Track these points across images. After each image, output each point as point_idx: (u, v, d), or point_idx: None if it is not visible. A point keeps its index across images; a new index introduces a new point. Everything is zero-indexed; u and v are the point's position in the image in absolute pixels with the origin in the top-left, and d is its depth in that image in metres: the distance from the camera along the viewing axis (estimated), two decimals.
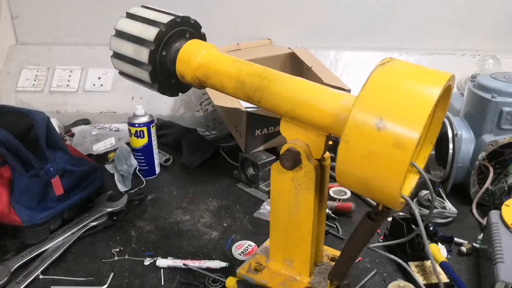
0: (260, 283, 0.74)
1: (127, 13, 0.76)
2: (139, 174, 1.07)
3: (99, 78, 1.44)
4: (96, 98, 1.42)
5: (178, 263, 0.79)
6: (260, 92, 0.65)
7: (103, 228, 0.90)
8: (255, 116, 1.01)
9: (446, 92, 0.54)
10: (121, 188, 1.04)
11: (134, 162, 1.06)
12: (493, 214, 0.80)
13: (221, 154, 1.22)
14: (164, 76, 0.75)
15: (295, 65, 1.26)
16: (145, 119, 1.06)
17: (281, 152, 0.65)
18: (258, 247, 0.84)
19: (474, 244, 0.85)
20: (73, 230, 0.86)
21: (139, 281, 0.76)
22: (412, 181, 0.61)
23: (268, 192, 1.03)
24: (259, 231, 0.90)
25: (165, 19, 0.72)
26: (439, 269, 0.77)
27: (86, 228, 0.88)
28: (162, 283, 0.76)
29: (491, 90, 0.93)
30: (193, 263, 0.79)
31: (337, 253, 0.81)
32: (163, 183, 1.09)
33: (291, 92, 0.62)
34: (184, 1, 1.39)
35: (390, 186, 0.50)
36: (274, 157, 1.07)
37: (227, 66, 0.68)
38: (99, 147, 1.17)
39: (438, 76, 0.51)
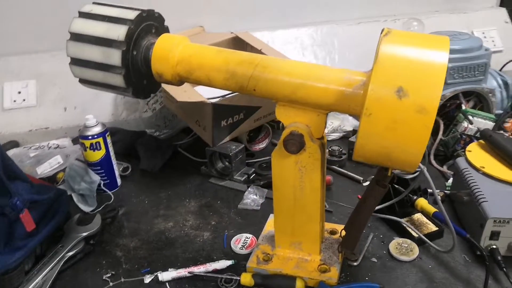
0: (275, 272, 0.73)
1: (80, 12, 0.67)
2: (103, 189, 0.98)
3: (19, 92, 1.27)
4: (20, 116, 1.26)
5: (183, 272, 0.75)
6: (254, 80, 0.63)
7: (83, 255, 0.81)
8: (220, 107, 0.98)
9: None
10: (86, 208, 0.94)
11: (96, 178, 0.96)
12: (460, 161, 0.88)
13: (180, 152, 1.17)
14: (136, 78, 0.68)
15: (238, 49, 1.23)
16: (98, 129, 0.96)
17: (283, 137, 0.64)
18: (256, 237, 0.83)
19: (445, 191, 0.93)
20: (50, 266, 0.76)
21: None
22: None
23: (244, 182, 1.02)
24: (250, 222, 0.89)
25: (130, 15, 0.65)
26: (424, 219, 0.84)
27: (64, 260, 0.78)
28: None
29: None
30: (198, 269, 0.75)
31: (334, 226, 0.83)
32: (129, 194, 1.01)
33: (289, 76, 0.61)
34: None
35: (414, 151, 0.52)
36: (243, 145, 1.05)
37: (213, 58, 0.65)
38: (44, 169, 1.04)
39: (439, 40, 0.53)
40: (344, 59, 1.40)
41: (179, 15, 1.37)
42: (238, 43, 1.22)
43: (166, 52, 0.66)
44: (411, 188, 0.78)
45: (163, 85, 0.97)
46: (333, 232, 0.81)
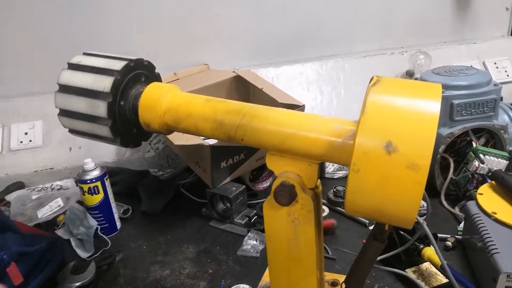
0: None
1: (69, 64, 0.67)
2: (100, 234, 0.96)
3: (26, 133, 1.28)
4: (26, 157, 1.27)
5: None
6: (242, 130, 0.60)
7: None
8: (219, 149, 0.96)
9: None
10: (83, 254, 0.92)
11: (94, 222, 0.95)
12: (471, 205, 0.83)
13: (182, 193, 1.15)
14: (124, 127, 0.67)
15: (241, 88, 1.23)
16: (97, 173, 0.96)
17: (274, 188, 0.61)
18: None
19: (456, 237, 0.87)
20: None
21: None
22: None
23: (245, 225, 0.98)
24: (249, 270, 0.85)
25: (117, 65, 0.64)
26: (433, 268, 0.78)
27: None
28: None
29: None
30: None
31: (336, 276, 0.79)
32: (128, 239, 0.99)
33: (278, 125, 0.59)
34: (112, 37, 1.31)
35: (407, 209, 0.49)
36: (244, 186, 1.02)
37: (200, 108, 0.63)
38: (45, 213, 1.04)
39: (431, 88, 0.50)
40: (351, 93, 1.38)
41: (185, 52, 1.39)
42: (240, 82, 1.22)
43: (153, 101, 0.64)
44: (416, 236, 0.73)
45: None
46: (334, 284, 0.77)
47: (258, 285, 0.78)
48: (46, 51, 1.31)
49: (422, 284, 0.75)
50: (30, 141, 1.28)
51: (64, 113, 0.67)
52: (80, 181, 0.95)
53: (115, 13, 1.31)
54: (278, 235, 0.65)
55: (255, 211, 1.02)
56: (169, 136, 0.97)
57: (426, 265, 0.79)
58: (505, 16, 1.53)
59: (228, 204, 1.02)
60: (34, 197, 1.10)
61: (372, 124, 0.48)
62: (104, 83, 0.63)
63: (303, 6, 1.38)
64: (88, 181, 0.95)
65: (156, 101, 0.64)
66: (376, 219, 0.54)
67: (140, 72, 0.68)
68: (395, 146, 0.47)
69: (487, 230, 0.75)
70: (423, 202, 0.97)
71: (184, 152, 1.06)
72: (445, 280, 0.76)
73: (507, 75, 1.42)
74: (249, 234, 0.94)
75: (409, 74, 1.32)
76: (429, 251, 0.76)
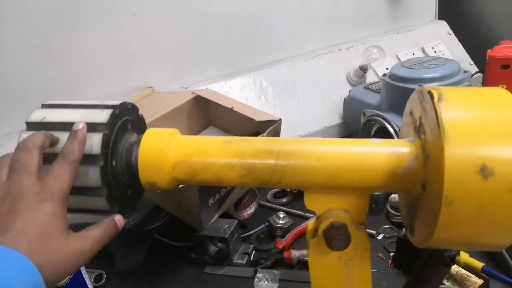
0: None
1: (28, 123, 0.51)
2: None
3: None
4: None
5: None
6: (279, 172, 0.50)
7: None
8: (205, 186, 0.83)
9: None
10: None
11: None
12: None
13: (159, 240, 1.00)
14: (120, 192, 0.53)
15: (201, 109, 1.11)
16: None
17: (322, 231, 0.52)
18: None
19: None
20: None
21: None
22: None
23: (247, 264, 0.88)
24: None
25: (102, 116, 0.50)
26: (465, 271, 0.76)
27: None
28: None
29: (414, 80, 0.96)
30: None
31: None
32: None
33: (323, 161, 0.50)
34: (39, 69, 1.09)
35: (507, 234, 0.43)
36: (236, 221, 0.91)
37: (220, 153, 0.51)
38: None
39: (499, 94, 0.45)
40: (310, 96, 1.33)
41: (123, 76, 1.22)
42: (200, 102, 1.09)
43: (157, 156, 0.51)
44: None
45: None
46: None
47: None
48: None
49: None
50: None
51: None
52: None
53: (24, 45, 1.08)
54: (328, 281, 0.56)
55: (252, 246, 0.92)
56: None
57: (455, 269, 0.76)
58: (430, 1, 1.60)
59: (220, 244, 0.90)
60: None
61: (459, 147, 0.42)
62: (90, 143, 0.48)
63: (247, 12, 1.29)
64: None
65: (160, 155, 0.51)
66: (463, 249, 0.48)
67: (126, 119, 0.54)
68: (491, 169, 0.41)
69: None
70: None
71: (160, 197, 0.92)
72: (479, 282, 0.73)
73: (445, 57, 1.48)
74: (258, 275, 0.83)
75: (363, 70, 1.31)
76: (464, 256, 0.73)
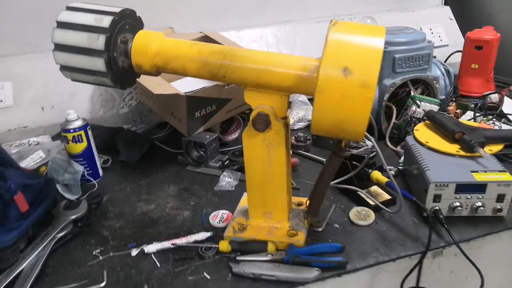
0: (249, 239, 0.82)
1: (68, 7, 0.75)
2: (88, 177, 1.05)
3: None
4: None
5: (166, 244, 0.83)
6: (224, 68, 0.72)
7: (72, 236, 0.88)
8: (193, 99, 1.06)
9: None
10: (70, 197, 1.01)
11: (80, 168, 1.03)
12: (409, 138, 1.01)
13: (157, 145, 1.25)
14: (115, 67, 0.76)
15: None
16: (80, 123, 1.03)
17: (252, 117, 0.74)
18: (231, 213, 0.92)
19: (398, 167, 1.05)
20: (43, 245, 0.83)
21: (135, 270, 0.78)
22: None
23: (219, 167, 1.11)
24: (226, 201, 0.98)
25: (115, 9, 0.73)
26: (380, 190, 0.95)
27: (55, 240, 0.85)
28: (158, 265, 0.79)
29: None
30: (181, 241, 0.84)
31: (300, 199, 0.93)
32: (112, 183, 1.08)
33: (254, 63, 0.71)
34: None
35: (360, 121, 0.63)
36: (217, 134, 1.14)
37: (187, 50, 0.74)
38: (28, 163, 1.10)
39: (377, 29, 0.64)
40: (306, 55, 1.51)
41: (148, 16, 1.44)
42: (207, 41, 1.31)
43: (145, 46, 0.74)
44: (365, 161, 0.89)
45: (140, 80, 1.05)
46: (299, 204, 0.91)
47: (236, 209, 0.91)
48: (11, 13, 1.32)
49: (374, 201, 0.91)
50: (1, 101, 1.31)
51: (61, 48, 0.74)
52: (64, 130, 1.02)
53: None
54: (256, 159, 0.78)
55: (227, 156, 1.15)
56: (149, 88, 1.07)
57: (374, 188, 0.96)
58: None
59: (202, 152, 1.13)
60: (13, 151, 1.15)
61: (333, 54, 0.62)
62: (104, 21, 0.72)
63: None
64: (72, 130, 1.02)
65: (147, 45, 0.74)
66: (336, 135, 0.68)
67: (125, 22, 0.76)
68: (351, 70, 0.61)
69: (421, 155, 0.92)
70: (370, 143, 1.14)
71: (159, 105, 1.16)
72: (387, 196, 0.93)
73: (441, 40, 1.62)
74: (224, 173, 1.07)
75: None
76: (376, 174, 0.93)
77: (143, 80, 1.07)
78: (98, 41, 0.72)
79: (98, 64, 0.73)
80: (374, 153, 1.12)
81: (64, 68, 0.78)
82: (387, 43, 1.13)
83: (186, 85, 1.12)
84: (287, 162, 0.79)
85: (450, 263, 0.84)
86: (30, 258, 0.80)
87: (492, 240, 0.84)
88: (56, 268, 0.80)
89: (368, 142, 1.15)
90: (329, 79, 0.62)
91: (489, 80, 1.33)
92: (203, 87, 1.09)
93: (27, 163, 1.11)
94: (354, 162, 0.97)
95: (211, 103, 1.12)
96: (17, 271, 0.77)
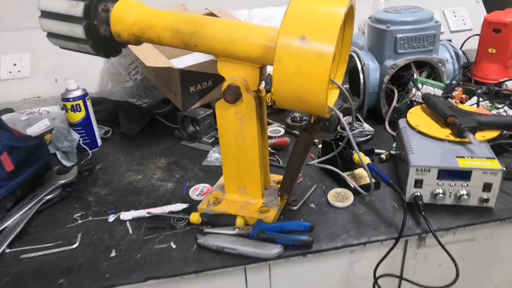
0: (221, 212, 0.83)
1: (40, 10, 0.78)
2: (83, 146, 1.09)
3: (15, 64, 1.38)
4: (15, 86, 1.37)
5: (142, 212, 0.85)
6: (195, 37, 0.72)
7: (59, 200, 0.92)
8: (188, 73, 1.07)
9: (350, 11, 0.66)
10: (67, 163, 1.05)
11: (76, 136, 1.07)
12: (401, 121, 0.97)
13: (158, 120, 1.27)
14: (95, 35, 0.77)
15: None
16: (79, 93, 1.07)
17: (223, 89, 0.74)
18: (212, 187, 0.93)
19: (391, 152, 1.01)
20: (29, 206, 0.87)
21: (108, 235, 0.81)
22: (334, 95, 0.73)
23: (212, 143, 1.12)
24: (211, 175, 0.99)
25: None
26: (365, 173, 0.92)
27: (42, 202, 0.89)
28: (130, 232, 0.82)
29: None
30: (156, 210, 0.86)
31: (281, 177, 0.92)
32: (108, 153, 1.12)
33: (223, 33, 0.70)
34: None
35: (318, 93, 0.61)
36: (211, 110, 1.14)
37: (161, 19, 0.74)
38: (33, 130, 1.16)
39: None
40: None
41: None
42: None
43: (122, 14, 0.75)
44: (345, 140, 0.86)
45: (137, 53, 1.07)
46: (279, 182, 0.91)
47: (216, 183, 0.92)
48: None
49: (352, 183, 0.89)
50: (19, 71, 1.38)
51: (46, 14, 0.77)
52: (63, 99, 1.07)
53: None
54: (228, 131, 0.78)
55: None
56: (144, 60, 1.09)
57: (359, 170, 0.93)
58: None
59: (196, 126, 1.15)
60: (23, 118, 1.22)
61: (291, 23, 0.60)
62: (75, 10, 0.73)
63: None
64: (71, 99, 1.06)
65: (124, 14, 0.75)
66: (298, 107, 0.67)
67: None
68: (307, 39, 0.59)
69: (408, 138, 0.88)
70: (367, 126, 1.10)
71: (157, 79, 1.18)
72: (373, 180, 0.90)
73: (464, 24, 1.53)
74: (213, 148, 1.07)
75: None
76: (357, 156, 0.90)
77: (140, 53, 1.09)
78: (77, 8, 0.74)
79: (78, 31, 0.75)
80: (369, 137, 1.10)
81: (50, 35, 0.81)
82: (389, 22, 1.08)
83: (186, 62, 1.13)
84: (260, 135, 0.78)
85: (438, 255, 0.80)
86: (15, 216, 0.85)
87: (481, 232, 0.80)
88: (38, 228, 0.85)
89: (365, 125, 1.12)
90: (286, 49, 0.60)
91: (507, 66, 1.24)
92: (199, 62, 1.09)
93: (33, 130, 1.17)
94: (340, 143, 0.94)
95: (207, 78, 1.13)
96: (0, 228, 0.82)
